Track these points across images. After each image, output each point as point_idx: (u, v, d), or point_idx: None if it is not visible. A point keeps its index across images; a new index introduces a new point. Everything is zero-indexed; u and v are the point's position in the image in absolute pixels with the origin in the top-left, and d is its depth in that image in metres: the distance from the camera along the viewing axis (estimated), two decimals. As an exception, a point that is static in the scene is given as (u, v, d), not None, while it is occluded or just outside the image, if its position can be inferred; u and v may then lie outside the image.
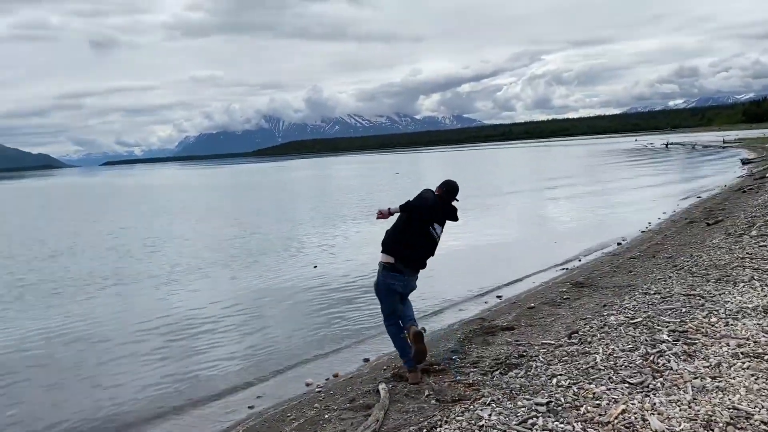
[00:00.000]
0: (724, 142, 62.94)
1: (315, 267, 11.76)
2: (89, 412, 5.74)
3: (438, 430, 3.96)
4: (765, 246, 8.37)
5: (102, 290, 10.90)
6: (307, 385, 5.93)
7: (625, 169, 38.62)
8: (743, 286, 6.38)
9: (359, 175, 53.77)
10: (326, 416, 4.94)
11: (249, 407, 5.55)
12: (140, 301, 10.01)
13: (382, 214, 5.35)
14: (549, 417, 3.79)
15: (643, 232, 13.32)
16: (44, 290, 11.16)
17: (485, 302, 8.57)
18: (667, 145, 74.19)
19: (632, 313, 6.00)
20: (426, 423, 4.31)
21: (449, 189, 5.48)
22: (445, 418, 4.18)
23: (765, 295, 5.92)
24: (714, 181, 23.93)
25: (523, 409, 3.96)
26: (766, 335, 4.82)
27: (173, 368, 6.73)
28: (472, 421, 3.91)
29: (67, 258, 14.81)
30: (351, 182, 44.00)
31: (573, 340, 5.50)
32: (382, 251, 5.36)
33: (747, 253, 8.07)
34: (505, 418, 3.87)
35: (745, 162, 32.62)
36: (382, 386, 5.31)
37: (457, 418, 4.04)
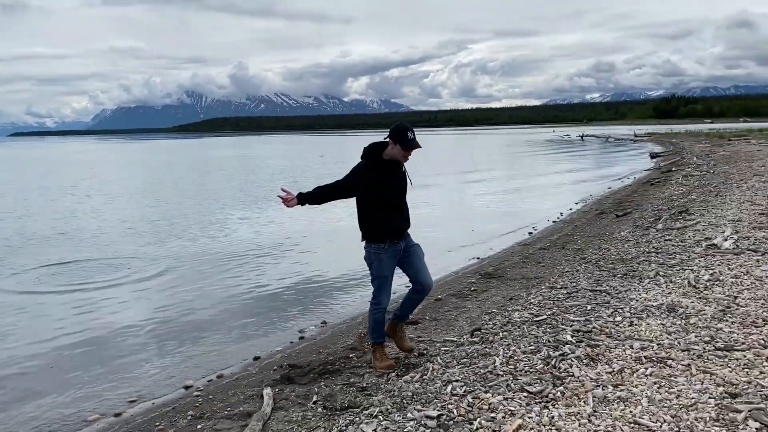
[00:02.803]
0: (636, 135, 65.62)
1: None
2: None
3: (316, 447, 3.49)
4: (670, 240, 8.39)
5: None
6: (186, 387, 5.33)
7: (542, 159, 39.46)
8: (648, 283, 6.26)
9: (283, 156, 52.50)
10: (199, 426, 4.38)
11: (116, 414, 4.89)
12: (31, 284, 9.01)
13: None
14: (438, 433, 3.40)
15: (554, 222, 13.36)
16: None
17: (393, 291, 8.13)
18: (582, 137, 76.62)
19: (537, 309, 5.74)
20: (308, 437, 3.85)
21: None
22: (327, 432, 3.73)
23: (669, 293, 5.79)
24: (624, 173, 24.64)
25: (412, 422, 3.55)
26: (669, 337, 4.63)
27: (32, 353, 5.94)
28: (355, 439, 3.47)
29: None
30: (276, 163, 42.83)
31: (475, 339, 5.18)
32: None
33: (653, 247, 8.05)
34: (390, 434, 3.45)
35: (653, 156, 33.90)
36: (266, 391, 4.79)
37: (340, 433, 3.59)
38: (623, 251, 8.05)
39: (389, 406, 3.84)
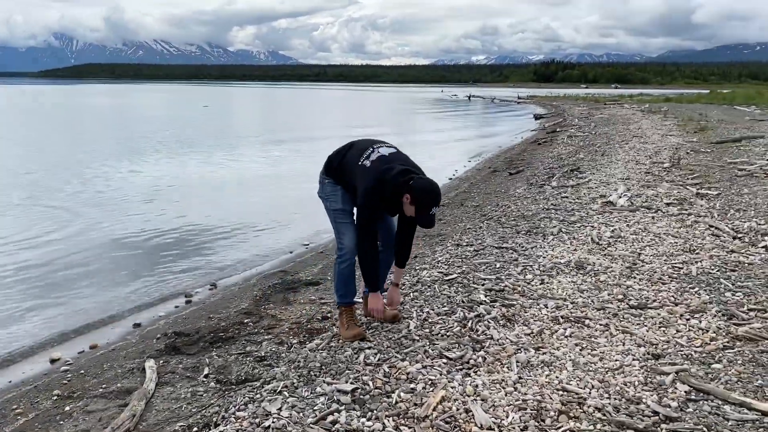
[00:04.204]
0: (519, 98, 67.99)
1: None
2: None
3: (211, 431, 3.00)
4: (566, 197, 8.46)
5: None
6: (53, 361, 4.60)
7: (432, 118, 39.81)
8: (552, 239, 6.18)
9: (166, 106, 49.47)
10: (67, 408, 3.73)
11: (-40, 396, 4.11)
12: None
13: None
14: (354, 410, 3.01)
15: (450, 179, 13.29)
16: None
17: (290, 251, 7.68)
18: (469, 97, 78.39)
19: (446, 267, 5.47)
20: (199, 417, 3.33)
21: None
22: (223, 412, 3.23)
23: (574, 250, 5.73)
24: (511, 133, 25.25)
25: (322, 398, 3.14)
26: (582, 295, 4.51)
27: None
28: (257, 419, 3.00)
29: None
30: (159, 113, 40.14)
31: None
32: None
33: (551, 204, 8.06)
34: (299, 413, 3.01)
35: (537, 117, 35.13)
36: (149, 363, 4.19)
37: (238, 413, 3.11)
38: (523, 208, 8.00)
39: (294, 380, 3.39)
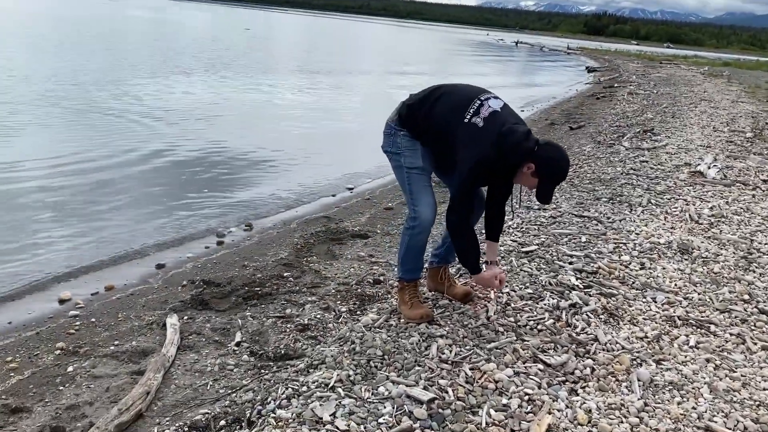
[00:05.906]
0: (569, 48, 65.12)
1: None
2: None
3: (243, 437, 2.32)
4: (646, 162, 7.51)
5: None
6: (61, 302, 3.97)
7: (480, 62, 38.11)
8: (642, 212, 5.32)
9: (206, 28, 48.22)
10: (71, 369, 3.09)
11: (-49, 337, 3.51)
12: None
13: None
14: (431, 429, 2.29)
15: (503, 128, 12.30)
16: None
17: (333, 194, 6.91)
18: (517, 43, 75.44)
19: (520, 235, 4.68)
20: (227, 403, 2.68)
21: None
22: (258, 405, 2.55)
23: (672, 228, 4.87)
24: (565, 85, 23.84)
25: (388, 405, 2.42)
26: (696, 288, 3.70)
27: None
28: (304, 425, 2.30)
29: None
30: (200, 34, 39.01)
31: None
32: None
33: (630, 168, 7.13)
34: (359, 425, 2.30)
35: (590, 70, 33.34)
36: (171, 320, 3.52)
37: (279, 412, 2.41)
38: (598, 170, 7.09)
39: (350, 371, 2.68)
